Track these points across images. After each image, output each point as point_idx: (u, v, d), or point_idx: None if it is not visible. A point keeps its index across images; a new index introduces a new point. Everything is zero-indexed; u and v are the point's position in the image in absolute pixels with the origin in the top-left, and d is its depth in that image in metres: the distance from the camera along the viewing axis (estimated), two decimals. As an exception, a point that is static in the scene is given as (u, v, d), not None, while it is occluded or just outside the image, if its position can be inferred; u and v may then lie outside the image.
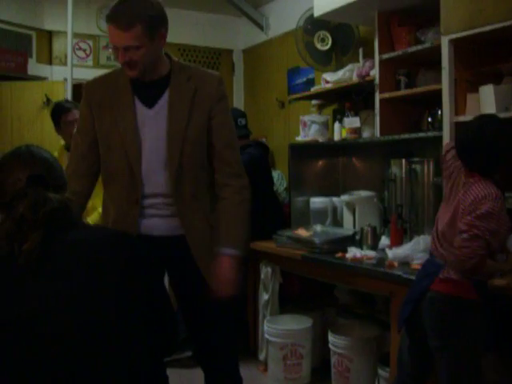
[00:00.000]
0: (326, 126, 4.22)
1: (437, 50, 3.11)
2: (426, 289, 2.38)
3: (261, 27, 5.48)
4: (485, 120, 2.46)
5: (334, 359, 3.47)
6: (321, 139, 4.18)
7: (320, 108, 4.62)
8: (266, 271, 3.82)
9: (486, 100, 2.90)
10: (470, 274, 2.27)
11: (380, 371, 3.20)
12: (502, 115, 2.78)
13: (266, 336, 3.71)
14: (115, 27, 2.06)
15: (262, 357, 3.91)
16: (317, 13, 3.91)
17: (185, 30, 5.49)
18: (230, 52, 5.93)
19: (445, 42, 3.06)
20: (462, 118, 2.99)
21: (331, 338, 3.49)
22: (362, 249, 3.38)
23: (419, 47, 3.39)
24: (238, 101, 5.82)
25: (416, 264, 2.89)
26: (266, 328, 3.74)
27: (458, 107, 3.03)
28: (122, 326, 1.44)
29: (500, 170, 2.41)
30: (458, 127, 2.52)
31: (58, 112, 3.74)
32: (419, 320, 2.41)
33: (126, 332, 1.45)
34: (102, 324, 1.40)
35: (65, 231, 1.48)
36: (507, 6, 2.69)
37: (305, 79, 4.93)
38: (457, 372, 2.31)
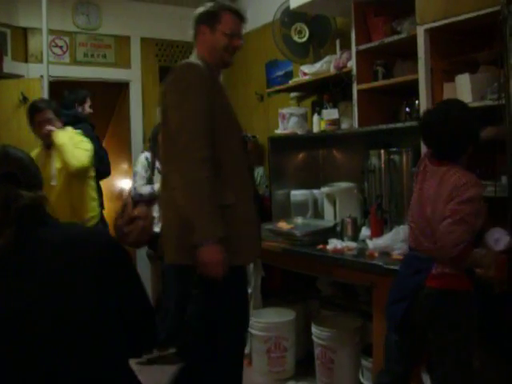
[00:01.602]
0: (305, 119, 4.21)
1: (413, 40, 3.12)
2: (419, 286, 2.37)
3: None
4: (450, 104, 2.48)
5: (317, 351, 3.48)
6: (300, 131, 4.17)
7: (299, 100, 4.62)
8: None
9: (462, 89, 2.91)
10: (456, 262, 2.28)
11: (363, 362, 3.21)
12: (477, 104, 2.81)
13: (250, 329, 3.71)
14: (240, 20, 2.58)
15: (246, 350, 3.90)
16: (293, 5, 3.91)
17: (162, 24, 5.46)
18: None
19: (420, 32, 3.07)
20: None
21: (314, 329, 3.50)
22: (342, 240, 3.39)
23: (395, 38, 3.39)
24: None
25: (396, 254, 2.90)
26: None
27: (435, 97, 3.05)
28: (99, 322, 1.43)
29: (468, 153, 2.42)
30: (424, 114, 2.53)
31: (31, 112, 3.73)
32: (411, 317, 2.41)
33: (104, 326, 1.44)
34: (78, 320, 1.40)
35: (37, 228, 1.47)
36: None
37: (283, 72, 4.91)
38: (460, 363, 2.33)
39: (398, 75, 3.47)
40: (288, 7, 4.05)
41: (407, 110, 3.45)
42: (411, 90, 3.23)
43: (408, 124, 3.25)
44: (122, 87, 5.70)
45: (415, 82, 3.12)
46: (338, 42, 4.03)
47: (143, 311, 1.63)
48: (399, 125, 3.35)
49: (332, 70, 3.90)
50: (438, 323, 2.35)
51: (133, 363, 1.53)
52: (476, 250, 2.36)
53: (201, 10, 2.57)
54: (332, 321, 3.62)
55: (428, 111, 2.52)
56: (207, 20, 2.55)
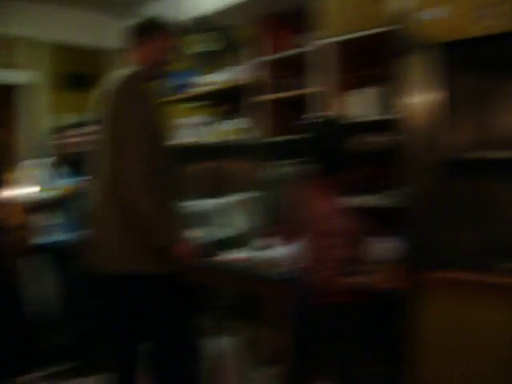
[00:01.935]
0: (212, 128, 4.19)
1: (318, 52, 3.18)
2: (312, 303, 2.40)
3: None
4: (324, 122, 2.54)
5: (216, 361, 3.44)
6: (206, 141, 4.15)
7: (205, 110, 4.58)
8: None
9: (363, 103, 2.99)
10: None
11: (263, 370, 3.20)
12: (376, 117, 2.89)
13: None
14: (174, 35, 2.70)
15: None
16: (200, 14, 3.89)
17: (58, 27, 5.15)
18: (107, 52, 5.48)
19: (325, 46, 3.12)
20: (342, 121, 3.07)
21: (215, 340, 3.46)
22: (244, 250, 3.38)
23: (301, 50, 3.44)
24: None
25: (288, 265, 2.90)
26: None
27: (338, 110, 3.10)
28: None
29: (345, 170, 2.45)
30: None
31: None
32: (309, 332, 2.44)
33: None
34: None
35: None
36: (383, 12, 2.78)
37: (190, 81, 4.86)
38: (348, 371, 2.38)
39: (304, 87, 3.51)
40: (196, 16, 4.03)
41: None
42: (314, 101, 3.27)
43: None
44: (7, 90, 5.22)
45: (318, 94, 3.17)
46: (244, 53, 4.04)
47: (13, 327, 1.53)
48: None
49: (238, 80, 3.91)
50: (327, 335, 2.38)
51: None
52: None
53: (139, 22, 2.65)
54: (233, 331, 3.59)
55: (310, 127, 2.55)
56: (142, 34, 2.62)
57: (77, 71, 5.32)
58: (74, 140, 3.79)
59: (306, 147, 2.43)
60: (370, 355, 2.58)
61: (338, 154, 2.39)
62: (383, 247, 2.54)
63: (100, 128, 2.52)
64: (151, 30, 2.62)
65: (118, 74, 2.51)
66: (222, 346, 3.40)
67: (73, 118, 4.00)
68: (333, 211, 2.29)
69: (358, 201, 2.93)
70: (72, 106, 4.54)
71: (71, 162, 3.78)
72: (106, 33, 5.33)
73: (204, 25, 4.20)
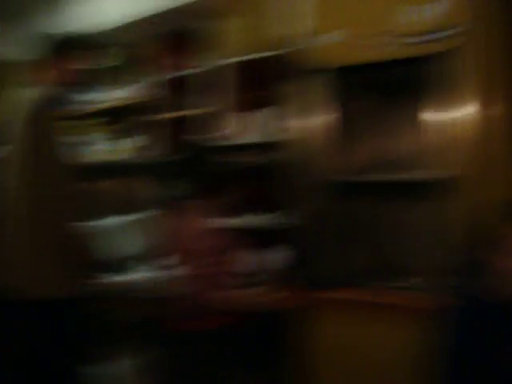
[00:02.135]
0: (111, 145, 4.11)
1: (216, 73, 3.19)
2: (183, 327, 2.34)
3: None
4: (197, 143, 2.58)
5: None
6: (105, 158, 4.06)
7: (105, 126, 4.49)
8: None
9: (251, 125, 3.02)
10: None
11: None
12: (269, 138, 2.92)
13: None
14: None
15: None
16: (99, 29, 3.82)
17: None
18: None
19: (222, 66, 3.14)
20: (227, 143, 3.11)
21: (114, 363, 3.36)
22: (144, 270, 3.31)
23: (199, 70, 3.43)
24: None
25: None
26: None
27: (231, 129, 3.12)
28: None
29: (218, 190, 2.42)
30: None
31: None
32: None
33: None
34: None
35: None
36: (280, 34, 2.82)
37: (88, 97, 4.75)
38: None
39: (193, 109, 3.51)
40: (94, 31, 3.94)
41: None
42: (213, 121, 3.28)
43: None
44: None
45: (214, 114, 3.18)
46: (145, 70, 3.99)
47: None
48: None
49: (138, 98, 3.86)
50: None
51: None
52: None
53: (54, 38, 2.58)
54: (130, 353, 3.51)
55: (186, 147, 2.57)
56: (53, 54, 2.54)
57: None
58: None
59: (180, 168, 2.41)
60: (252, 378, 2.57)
61: (209, 175, 2.37)
62: (270, 264, 2.52)
63: (6, 149, 2.48)
64: (67, 49, 2.55)
65: (28, 94, 2.47)
66: (121, 369, 3.31)
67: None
68: (202, 231, 2.25)
69: (244, 221, 2.96)
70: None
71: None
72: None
73: (103, 40, 4.12)
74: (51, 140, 2.44)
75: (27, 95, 2.46)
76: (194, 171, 2.38)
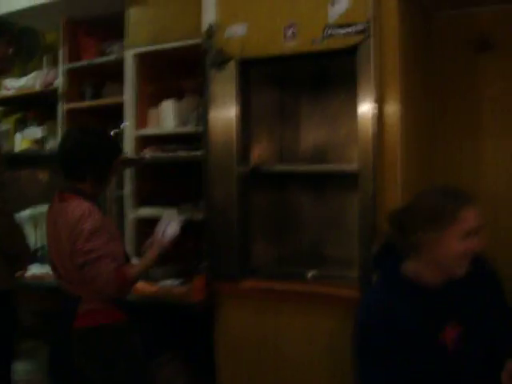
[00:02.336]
0: (7, 136, 3.92)
1: (122, 62, 3.12)
2: (69, 328, 2.21)
3: None
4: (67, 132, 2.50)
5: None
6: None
7: (1, 116, 4.28)
8: None
9: (167, 114, 2.98)
10: (124, 290, 2.23)
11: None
12: (180, 129, 2.90)
13: None
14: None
15: None
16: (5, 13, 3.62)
17: None
18: None
19: (129, 56, 3.09)
20: (143, 132, 3.04)
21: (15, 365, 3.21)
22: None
23: (105, 59, 3.34)
24: None
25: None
26: None
27: (141, 121, 3.07)
28: None
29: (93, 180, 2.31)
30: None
31: None
32: (67, 361, 2.25)
33: None
34: None
35: None
36: (189, 25, 2.79)
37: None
38: None
39: (107, 97, 3.42)
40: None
41: (112, 132, 3.36)
42: (119, 112, 3.20)
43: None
44: None
45: (122, 105, 3.11)
46: (45, 58, 3.84)
47: None
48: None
49: (38, 87, 3.70)
50: (92, 363, 2.22)
51: None
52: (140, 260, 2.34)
53: None
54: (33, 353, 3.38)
55: (64, 138, 2.46)
56: None
57: None
58: None
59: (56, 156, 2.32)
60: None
61: (80, 162, 2.25)
62: (160, 226, 2.40)
63: None
64: None
65: None
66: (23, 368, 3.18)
67: None
68: (79, 218, 2.13)
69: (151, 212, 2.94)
70: None
71: None
72: None
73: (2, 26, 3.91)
74: None
75: None
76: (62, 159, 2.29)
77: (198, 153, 2.69)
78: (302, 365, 2.42)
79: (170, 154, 2.93)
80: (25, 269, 2.41)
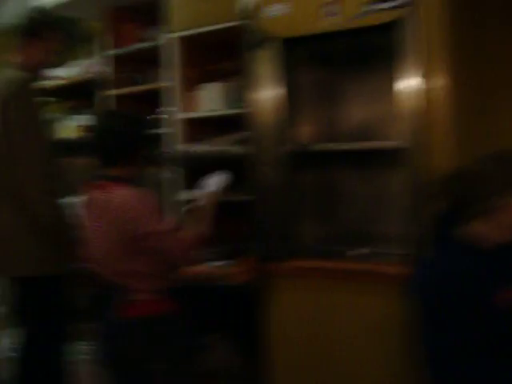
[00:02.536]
0: (57, 125, 4.00)
1: (164, 47, 3.15)
2: (119, 319, 2.21)
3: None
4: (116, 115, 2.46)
5: (76, 366, 3.31)
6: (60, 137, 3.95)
7: (53, 105, 4.38)
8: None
9: (210, 97, 3.00)
10: (193, 258, 2.29)
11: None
12: (223, 112, 2.92)
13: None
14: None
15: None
16: (45, 5, 3.70)
17: None
18: None
19: (171, 40, 3.11)
20: (186, 115, 3.07)
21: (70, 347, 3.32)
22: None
23: (147, 44, 3.39)
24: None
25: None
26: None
27: (184, 104, 3.09)
28: None
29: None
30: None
31: None
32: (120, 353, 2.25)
33: None
34: None
35: None
36: (229, 7, 2.79)
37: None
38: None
39: (151, 82, 3.46)
40: (40, 8, 3.81)
41: (157, 117, 3.39)
42: (162, 96, 3.24)
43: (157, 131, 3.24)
44: None
45: (166, 90, 3.14)
46: (92, 47, 3.90)
47: None
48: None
49: (86, 75, 3.79)
50: (143, 354, 2.21)
51: None
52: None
53: (25, 21, 2.54)
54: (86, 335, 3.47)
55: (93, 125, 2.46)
56: (30, 34, 2.52)
57: None
58: None
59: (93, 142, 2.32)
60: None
61: (108, 147, 2.23)
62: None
63: None
64: (40, 30, 2.52)
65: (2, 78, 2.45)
66: (77, 350, 3.27)
67: None
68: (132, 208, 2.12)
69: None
70: None
71: None
72: None
73: (48, 17, 3.99)
74: (37, 118, 2.47)
75: (8, 75, 2.46)
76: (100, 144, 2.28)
77: (243, 149, 2.70)
78: (351, 343, 2.42)
79: (215, 149, 2.94)
80: (77, 255, 2.47)
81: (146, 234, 2.11)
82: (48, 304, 2.54)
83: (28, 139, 2.40)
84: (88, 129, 2.49)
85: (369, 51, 2.63)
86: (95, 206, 2.22)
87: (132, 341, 2.20)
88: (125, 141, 2.22)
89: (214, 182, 2.36)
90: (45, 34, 2.54)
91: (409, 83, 2.21)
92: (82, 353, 3.29)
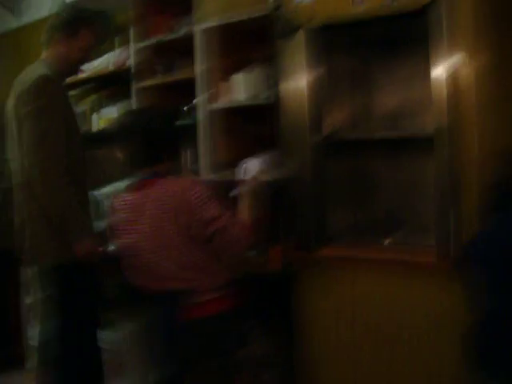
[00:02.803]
0: (84, 117, 4.03)
1: (192, 38, 3.15)
2: (182, 320, 2.20)
3: (11, 11, 5.05)
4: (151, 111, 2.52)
5: (112, 353, 3.35)
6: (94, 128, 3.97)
7: (78, 98, 4.40)
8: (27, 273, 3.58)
9: (238, 87, 3.00)
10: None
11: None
12: (252, 101, 2.91)
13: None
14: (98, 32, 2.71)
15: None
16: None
17: None
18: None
19: (198, 31, 3.10)
20: (215, 106, 3.07)
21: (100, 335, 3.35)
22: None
23: (174, 36, 3.38)
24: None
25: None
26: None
27: (213, 95, 3.09)
28: None
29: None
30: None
31: None
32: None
33: None
34: None
35: None
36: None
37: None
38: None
39: (178, 73, 3.46)
40: (74, 3, 3.84)
41: (184, 108, 3.40)
42: (190, 88, 3.24)
43: (185, 122, 3.24)
44: None
45: (194, 81, 3.15)
46: (117, 39, 3.92)
47: None
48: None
49: (112, 67, 3.79)
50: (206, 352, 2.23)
51: None
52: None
53: (59, 18, 2.58)
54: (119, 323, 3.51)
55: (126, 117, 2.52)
56: (65, 30, 2.55)
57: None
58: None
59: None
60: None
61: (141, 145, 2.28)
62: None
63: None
64: (77, 27, 2.54)
65: (31, 72, 2.49)
66: (115, 337, 3.32)
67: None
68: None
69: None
70: None
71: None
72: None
73: (84, 13, 4.01)
74: (68, 110, 2.52)
75: (30, 73, 2.50)
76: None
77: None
78: (380, 332, 2.42)
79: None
80: (103, 245, 2.50)
81: (211, 219, 2.13)
82: (76, 292, 2.56)
83: (51, 130, 2.41)
84: (118, 123, 2.47)
85: (402, 37, 2.61)
86: (145, 205, 2.20)
87: (197, 341, 2.21)
88: (169, 138, 2.31)
89: (255, 166, 2.38)
90: (81, 31, 2.56)
91: (438, 70, 2.19)
92: (110, 341, 3.33)
